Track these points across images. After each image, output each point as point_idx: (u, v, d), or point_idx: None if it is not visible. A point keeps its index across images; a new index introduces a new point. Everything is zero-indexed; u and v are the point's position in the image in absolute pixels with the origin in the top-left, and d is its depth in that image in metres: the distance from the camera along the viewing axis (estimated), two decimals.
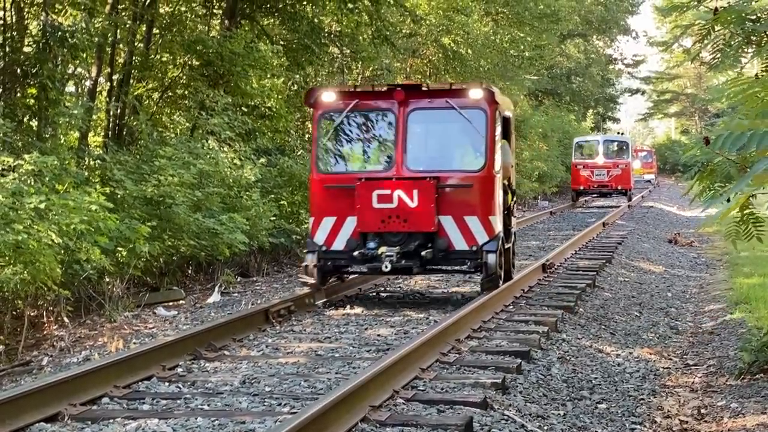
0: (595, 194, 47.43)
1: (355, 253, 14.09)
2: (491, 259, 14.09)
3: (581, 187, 45.93)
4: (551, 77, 63.08)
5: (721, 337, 13.71)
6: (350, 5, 24.19)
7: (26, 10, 17.88)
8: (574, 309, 14.47)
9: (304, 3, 24.82)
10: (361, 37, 27.28)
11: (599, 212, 38.78)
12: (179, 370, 10.19)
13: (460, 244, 14.18)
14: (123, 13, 20.06)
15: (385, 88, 14.97)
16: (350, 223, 14.30)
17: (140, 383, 9.56)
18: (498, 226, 14.39)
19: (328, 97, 14.79)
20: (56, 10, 17.52)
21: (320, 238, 14.50)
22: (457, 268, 15.27)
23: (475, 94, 14.35)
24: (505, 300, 14.55)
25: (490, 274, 14.13)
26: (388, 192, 14.02)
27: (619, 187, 45.08)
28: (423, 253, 14.00)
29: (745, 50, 10.01)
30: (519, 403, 9.02)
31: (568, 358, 11.43)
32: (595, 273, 18.52)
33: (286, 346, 11.59)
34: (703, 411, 9.81)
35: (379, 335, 12.26)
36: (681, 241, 28.52)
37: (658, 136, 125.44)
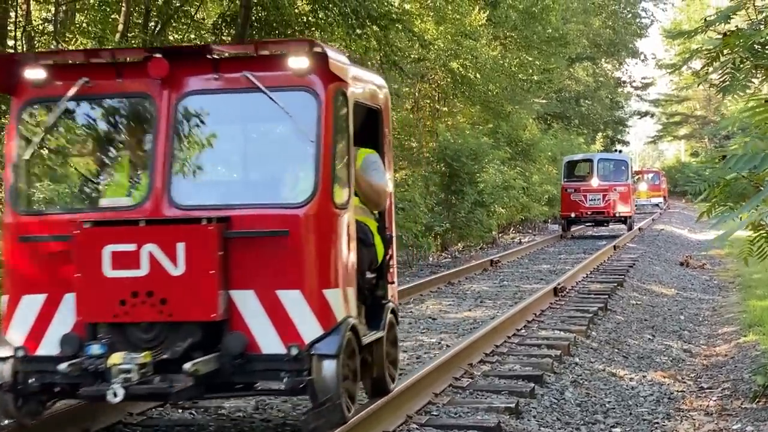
0: (589, 223, 40.58)
1: (63, 366, 7.67)
2: (327, 370, 7.77)
3: (572, 215, 38.70)
4: (560, 100, 63.07)
5: (735, 360, 13.64)
6: (359, 31, 24.25)
7: (36, 38, 17.99)
8: (587, 332, 14.42)
9: (313, 29, 24.90)
10: (369, 62, 27.33)
11: (610, 235, 38.70)
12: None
13: (269, 342, 7.82)
14: (132, 41, 20.15)
15: (137, 57, 8.61)
16: (69, 306, 8.04)
17: (153, 410, 9.53)
18: (345, 307, 8.07)
19: (36, 74, 8.44)
20: (66, 39, 17.64)
21: (17, 334, 8.18)
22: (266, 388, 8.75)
23: (298, 62, 8.00)
24: (517, 324, 14.52)
25: (322, 401, 7.79)
26: (131, 247, 7.83)
27: (617, 214, 38.47)
28: (197, 362, 7.65)
29: (755, 74, 10.02)
30: (533, 428, 8.99)
31: (581, 381, 11.39)
32: (607, 296, 18.46)
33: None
34: None
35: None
36: (693, 264, 28.42)
37: (668, 159, 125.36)
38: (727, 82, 9.90)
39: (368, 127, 9.51)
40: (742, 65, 9.82)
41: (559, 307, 17.10)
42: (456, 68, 34.36)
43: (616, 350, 13.92)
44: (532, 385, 10.43)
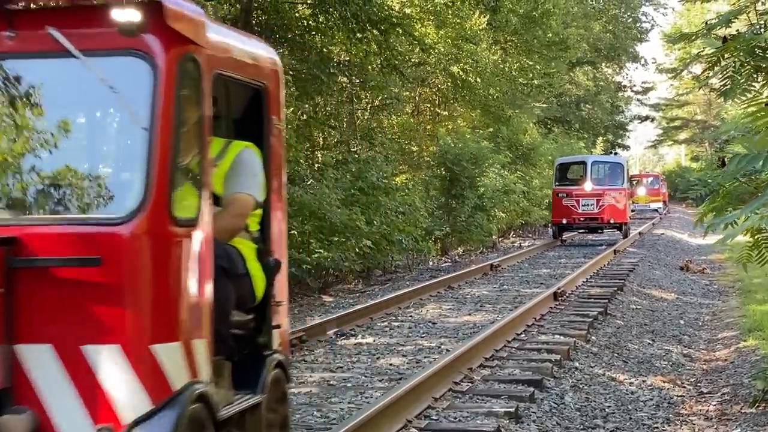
0: (582, 230, 37.97)
1: None
2: None
3: (564, 221, 36.19)
4: (560, 105, 63.08)
5: (735, 364, 13.63)
6: (359, 35, 24.24)
7: None
8: (587, 337, 14.41)
9: (314, 33, 24.91)
10: (370, 67, 27.34)
11: (610, 240, 38.68)
12: None
13: (71, 424, 5.28)
14: None
15: None
16: None
17: None
18: (187, 369, 5.59)
19: None
20: None
21: None
22: None
23: (125, 15, 5.42)
24: (517, 328, 14.51)
25: None
26: None
27: (612, 221, 35.83)
28: None
29: (755, 78, 10.01)
30: None
31: (581, 386, 11.38)
32: (606, 300, 18.44)
33: (298, 375, 11.55)
34: None
35: (391, 364, 12.22)
36: (693, 268, 28.40)
37: (668, 163, 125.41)
38: (728, 87, 9.89)
39: (252, 112, 7.01)
40: (742, 69, 9.81)
41: (559, 311, 17.10)
42: (456, 72, 34.37)
43: (616, 355, 13.90)
44: (532, 389, 10.42)
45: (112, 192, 5.68)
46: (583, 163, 37.75)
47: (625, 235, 36.64)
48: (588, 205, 35.56)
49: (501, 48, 40.35)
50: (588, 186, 35.88)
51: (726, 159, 6.76)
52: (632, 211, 61.95)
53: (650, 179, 70.71)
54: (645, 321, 17.57)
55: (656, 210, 65.37)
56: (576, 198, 35.67)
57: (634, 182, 64.14)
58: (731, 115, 43.56)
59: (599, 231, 37.86)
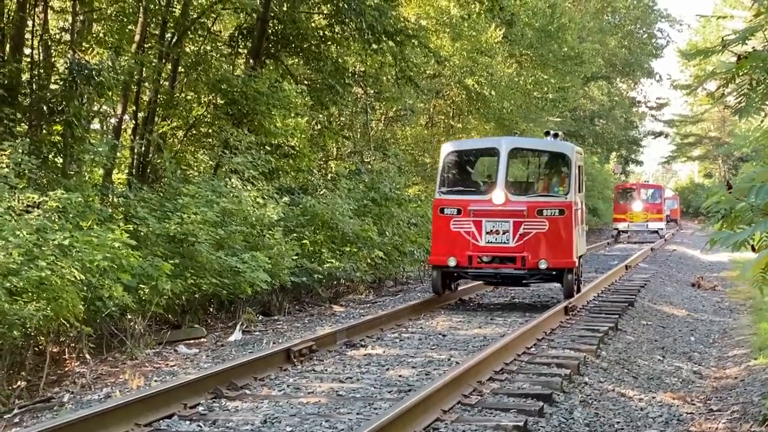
0: (487, 278, 20.39)
1: None
2: None
3: (450, 263, 19.42)
4: (574, 119, 63.13)
5: (745, 382, 13.59)
6: (374, 46, 24.30)
7: (53, 48, 18.07)
8: (597, 352, 14.38)
9: (329, 43, 24.99)
10: (384, 78, 27.41)
11: (622, 255, 38.58)
12: (200, 408, 10.16)
13: None
14: (149, 52, 20.22)
15: None
16: None
17: (161, 421, 9.54)
18: None
19: None
20: (83, 49, 17.72)
21: None
22: None
23: None
24: (527, 342, 14.49)
25: None
26: None
27: (544, 264, 19.03)
28: None
29: None
30: None
31: (590, 401, 11.35)
32: (617, 316, 18.40)
33: (307, 385, 11.55)
34: None
35: (400, 376, 12.21)
36: (704, 285, 28.34)
37: (681, 180, 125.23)
38: (742, 104, 9.88)
39: None
40: (757, 87, 9.80)
41: (570, 326, 17.06)
42: (471, 85, 34.43)
43: (626, 370, 13.87)
44: (541, 403, 10.39)
45: None
46: (495, 152, 19.81)
47: (569, 295, 19.46)
48: (497, 232, 19.18)
49: (516, 61, 40.41)
50: (498, 196, 19.15)
51: (733, 183, 6.75)
52: (623, 233, 54.81)
53: (649, 192, 57.01)
54: (655, 337, 17.53)
55: (656, 232, 54.97)
56: (476, 219, 19.25)
57: (626, 194, 56.52)
58: (744, 132, 43.33)
59: (521, 283, 20.45)
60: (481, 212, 19.13)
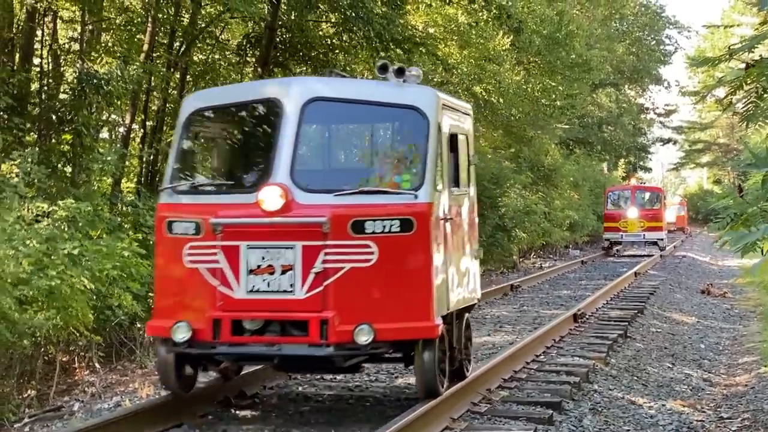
0: (258, 358, 10.53)
1: None
2: None
3: None
4: (582, 126, 63.02)
5: (756, 390, 13.56)
6: (383, 54, 24.30)
7: (62, 57, 18.11)
8: (606, 359, 14.36)
9: (337, 51, 24.99)
10: None
11: (631, 262, 38.52)
12: (210, 417, 10.17)
13: None
14: (157, 61, 20.25)
15: None
16: None
17: (171, 431, 9.55)
18: None
19: None
20: (92, 58, 17.75)
21: None
22: None
23: None
24: (536, 350, 14.47)
25: None
26: None
27: (366, 338, 9.36)
28: None
29: None
30: None
31: (599, 409, 11.34)
32: (627, 323, 18.38)
33: (315, 394, 11.56)
34: None
35: (409, 384, 12.20)
36: (714, 292, 28.28)
37: (690, 186, 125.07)
38: (751, 112, 9.87)
39: None
40: (765, 94, 9.79)
41: (579, 333, 17.04)
42: (479, 92, 34.40)
43: (636, 378, 13.85)
44: (551, 411, 10.39)
45: None
46: (275, 107, 10.26)
47: (429, 392, 9.97)
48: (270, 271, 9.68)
49: (524, 69, 40.35)
50: (272, 196, 9.72)
51: (743, 187, 6.76)
52: (615, 245, 45.91)
53: (647, 195, 47.11)
54: (665, 344, 17.50)
55: (655, 243, 45.68)
56: (228, 244, 9.77)
57: (619, 199, 46.87)
58: (753, 140, 43.16)
59: (327, 369, 11.24)
60: (239, 230, 9.78)
